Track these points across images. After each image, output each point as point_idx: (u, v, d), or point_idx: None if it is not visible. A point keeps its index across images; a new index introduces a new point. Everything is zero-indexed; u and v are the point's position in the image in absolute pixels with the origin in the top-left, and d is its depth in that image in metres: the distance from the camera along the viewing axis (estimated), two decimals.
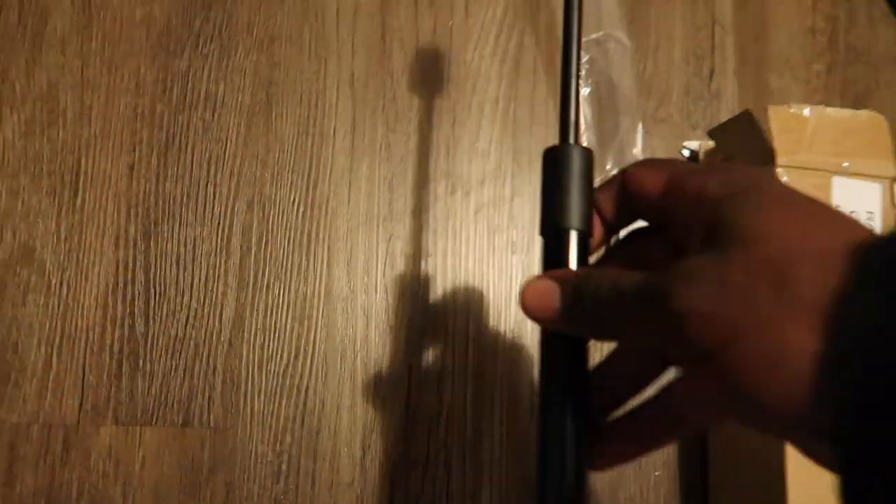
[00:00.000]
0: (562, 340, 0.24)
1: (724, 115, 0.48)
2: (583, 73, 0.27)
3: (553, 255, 0.25)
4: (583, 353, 0.25)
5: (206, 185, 0.42)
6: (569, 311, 0.23)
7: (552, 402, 0.24)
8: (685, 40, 0.50)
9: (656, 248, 0.25)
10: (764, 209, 0.19)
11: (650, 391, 0.24)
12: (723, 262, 0.18)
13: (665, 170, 0.24)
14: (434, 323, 0.42)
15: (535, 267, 0.44)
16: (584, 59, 0.44)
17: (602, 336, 0.24)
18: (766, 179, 0.21)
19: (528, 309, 0.24)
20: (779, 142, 0.36)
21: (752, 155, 0.37)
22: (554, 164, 0.25)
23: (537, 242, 0.44)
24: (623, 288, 0.21)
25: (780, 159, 0.36)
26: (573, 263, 0.25)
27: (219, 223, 0.42)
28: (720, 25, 0.50)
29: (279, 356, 0.41)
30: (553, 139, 0.26)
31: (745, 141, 0.38)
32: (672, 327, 0.19)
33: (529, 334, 0.43)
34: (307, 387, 0.40)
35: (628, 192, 0.25)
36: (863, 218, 0.37)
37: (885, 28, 0.53)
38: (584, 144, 0.25)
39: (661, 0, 0.50)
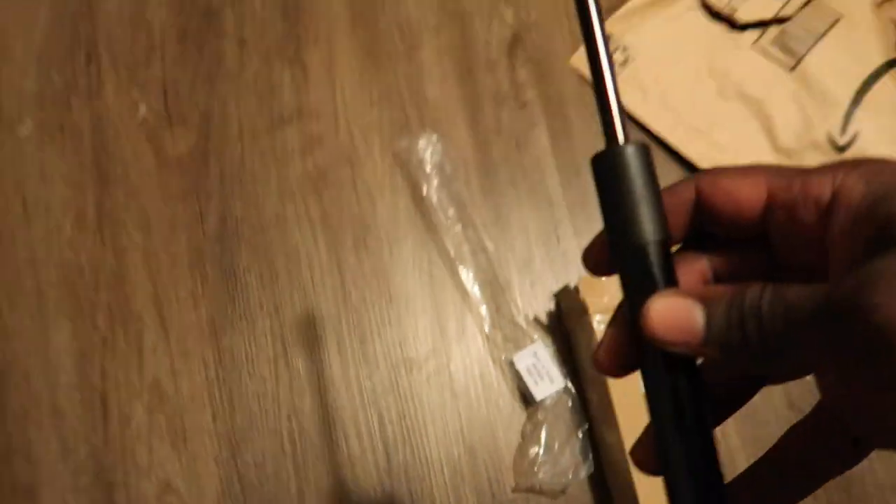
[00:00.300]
0: (682, 370, 0.20)
1: None
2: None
3: (639, 277, 0.21)
4: (701, 384, 0.21)
5: None
6: (722, 336, 0.19)
7: (683, 457, 0.20)
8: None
9: (743, 266, 0.22)
10: None
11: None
12: None
13: (762, 177, 0.20)
14: None
15: None
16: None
17: (764, 366, 0.20)
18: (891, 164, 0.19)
19: (659, 334, 0.19)
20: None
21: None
22: (609, 171, 0.21)
23: None
24: (796, 303, 0.17)
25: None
26: (664, 282, 0.20)
27: None
28: None
29: None
30: None
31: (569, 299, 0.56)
32: (877, 346, 0.16)
33: None
34: None
35: (710, 207, 0.21)
36: None
37: None
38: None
39: None
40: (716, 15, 0.70)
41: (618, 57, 0.70)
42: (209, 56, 0.69)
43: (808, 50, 0.67)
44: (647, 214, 0.20)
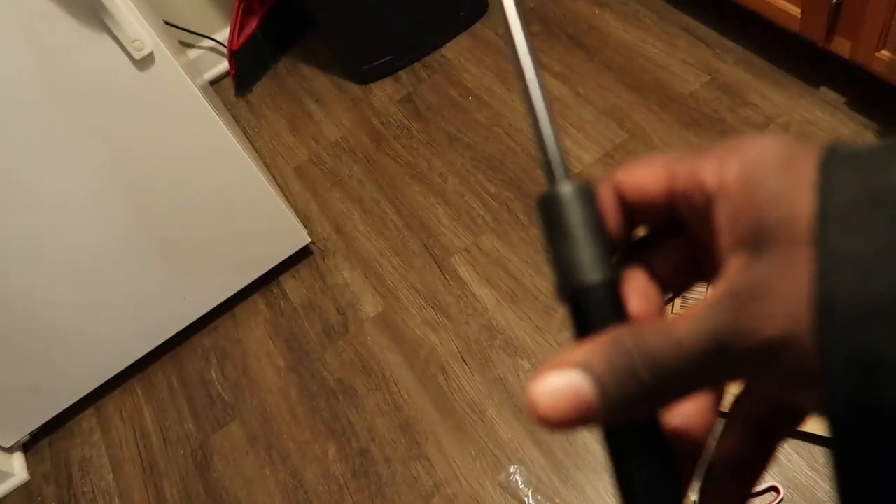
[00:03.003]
0: (627, 427, 0.19)
1: None
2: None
3: (582, 323, 0.20)
4: (656, 428, 0.20)
5: None
6: (619, 398, 0.17)
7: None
8: None
9: (671, 254, 0.22)
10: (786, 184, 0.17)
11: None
12: (781, 265, 0.16)
13: (660, 165, 0.20)
14: None
15: None
16: None
17: (666, 404, 0.19)
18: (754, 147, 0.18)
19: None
20: None
21: None
22: (547, 213, 0.20)
23: None
24: (685, 337, 0.17)
25: None
26: (597, 327, 0.19)
27: None
28: None
29: None
30: None
31: None
32: (767, 361, 0.16)
33: None
34: None
35: (627, 201, 0.21)
36: None
37: None
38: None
39: None
40: None
41: None
42: (375, 478, 1.12)
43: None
44: (585, 256, 0.19)
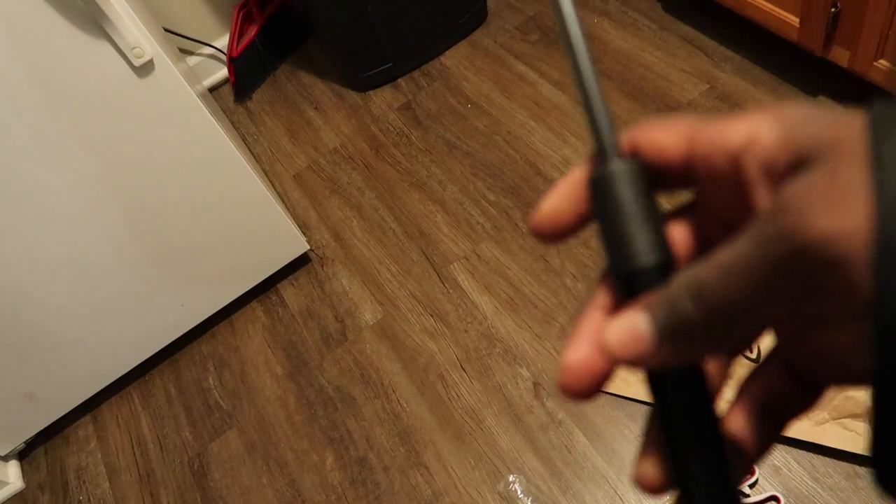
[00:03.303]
0: (675, 375, 0.19)
1: None
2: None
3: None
4: (702, 381, 0.20)
5: None
6: (668, 329, 0.18)
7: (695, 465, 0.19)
8: None
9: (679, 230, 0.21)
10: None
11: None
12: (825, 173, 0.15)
13: (680, 126, 0.20)
14: None
15: None
16: None
17: (717, 341, 0.18)
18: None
19: (616, 353, 0.19)
20: None
21: None
22: (600, 192, 0.20)
23: None
24: (726, 259, 0.16)
25: None
26: None
27: None
28: None
29: None
30: None
31: None
32: (814, 265, 0.15)
33: None
34: None
35: (642, 160, 0.20)
36: None
37: None
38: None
39: None
40: None
41: None
42: (371, 482, 1.11)
43: None
44: (636, 237, 0.19)
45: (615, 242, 0.19)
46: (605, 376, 0.20)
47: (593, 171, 0.20)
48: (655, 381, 0.20)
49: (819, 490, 0.94)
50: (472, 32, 1.69)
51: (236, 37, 1.71)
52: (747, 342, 0.21)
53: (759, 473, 0.96)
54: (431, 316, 1.26)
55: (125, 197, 1.08)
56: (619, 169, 0.19)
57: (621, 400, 1.08)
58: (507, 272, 1.27)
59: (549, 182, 1.36)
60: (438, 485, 1.08)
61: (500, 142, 1.46)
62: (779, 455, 0.97)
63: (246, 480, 1.18)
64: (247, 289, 1.33)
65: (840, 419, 0.95)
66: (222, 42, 1.78)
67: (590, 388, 0.20)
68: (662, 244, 0.19)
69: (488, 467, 1.07)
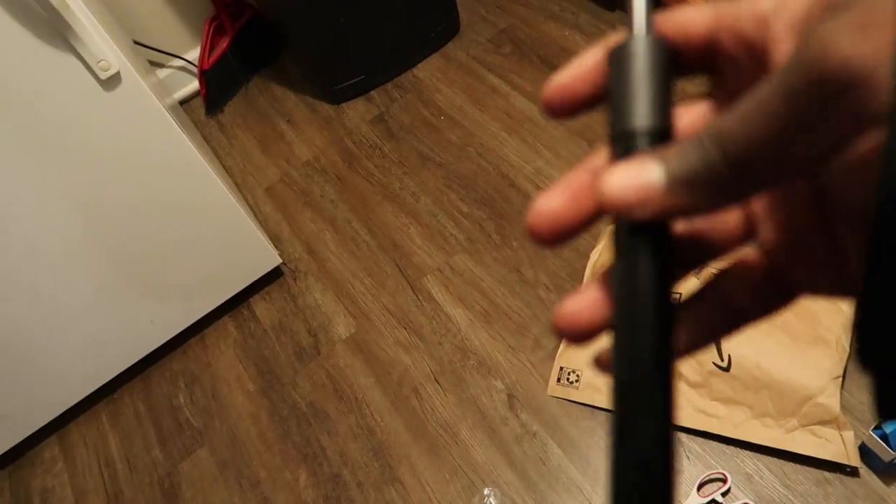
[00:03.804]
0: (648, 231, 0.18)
1: None
2: None
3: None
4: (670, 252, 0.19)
5: None
6: (683, 174, 0.17)
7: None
8: None
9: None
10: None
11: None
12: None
13: (705, 7, 0.19)
14: None
15: None
16: None
17: (733, 190, 0.17)
18: None
19: (615, 196, 0.17)
20: None
21: None
22: (615, 62, 0.19)
23: None
24: (753, 106, 0.16)
25: None
26: None
27: None
28: None
29: None
30: None
31: None
32: (842, 81, 0.14)
33: None
34: None
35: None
36: None
37: None
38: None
39: None
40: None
41: (573, 377, 1.10)
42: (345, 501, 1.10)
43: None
44: (642, 101, 0.19)
45: (620, 105, 0.19)
46: (578, 226, 0.19)
47: (615, 44, 0.20)
48: (629, 236, 0.19)
49: (790, 497, 0.94)
50: (445, 45, 1.69)
51: (207, 49, 1.69)
52: (757, 188, 0.18)
53: (732, 482, 0.97)
54: (405, 329, 1.25)
55: (92, 212, 1.06)
56: (640, 40, 0.19)
57: (595, 410, 1.08)
58: (481, 284, 1.27)
59: (523, 193, 1.36)
60: (413, 500, 1.07)
61: (473, 154, 1.46)
62: (750, 462, 0.98)
63: (218, 499, 1.16)
64: (218, 303, 1.32)
65: (809, 426, 0.96)
66: (193, 54, 1.77)
67: (558, 236, 0.19)
68: (668, 115, 0.19)
69: (463, 481, 1.07)
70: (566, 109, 0.21)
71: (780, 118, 0.15)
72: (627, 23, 0.20)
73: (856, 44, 0.14)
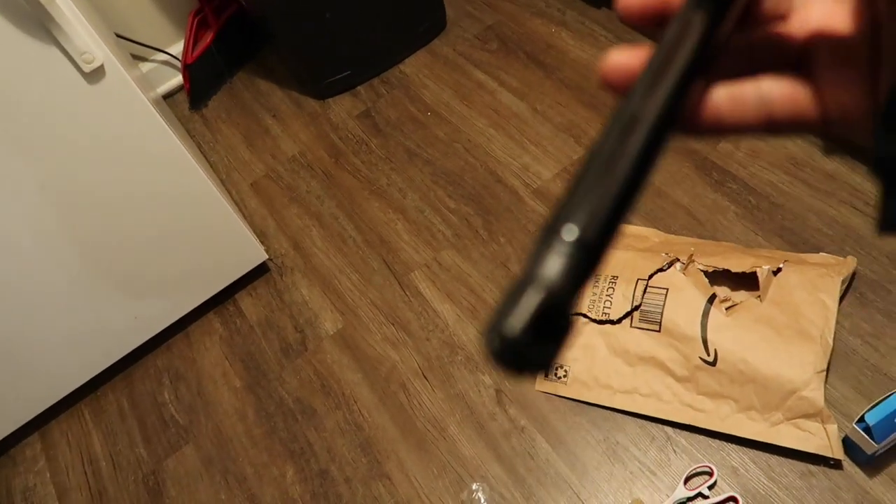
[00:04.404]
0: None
1: None
2: None
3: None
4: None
5: None
6: None
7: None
8: None
9: None
10: None
11: None
12: None
13: None
14: None
15: None
16: None
17: None
18: None
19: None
20: None
21: None
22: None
23: None
24: None
25: None
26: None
27: None
28: None
29: None
30: None
31: None
32: None
33: None
34: None
35: None
36: None
37: None
38: None
39: None
40: (601, 321, 1.12)
41: (561, 372, 1.11)
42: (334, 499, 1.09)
43: (661, 315, 1.07)
44: None
45: None
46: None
47: None
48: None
49: (775, 489, 0.96)
50: (432, 41, 1.69)
51: (191, 43, 1.67)
52: None
53: (718, 475, 0.98)
54: (393, 325, 1.25)
55: (74, 207, 1.04)
56: None
57: (583, 405, 1.08)
58: (469, 279, 1.27)
59: (509, 189, 1.36)
60: (401, 495, 1.07)
61: (459, 149, 1.46)
62: (736, 456, 0.99)
63: (203, 497, 1.15)
64: (203, 299, 1.30)
65: (794, 420, 0.97)
66: (177, 48, 1.75)
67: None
68: None
69: (451, 476, 1.07)
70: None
71: None
72: None
73: None
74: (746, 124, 0.21)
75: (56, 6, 0.84)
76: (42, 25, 0.85)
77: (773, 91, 0.21)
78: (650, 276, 1.10)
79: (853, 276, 1.09)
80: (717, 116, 0.21)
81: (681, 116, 0.19)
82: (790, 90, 0.21)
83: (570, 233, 0.16)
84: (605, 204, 0.17)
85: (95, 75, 0.94)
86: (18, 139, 0.93)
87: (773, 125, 0.21)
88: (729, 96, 0.21)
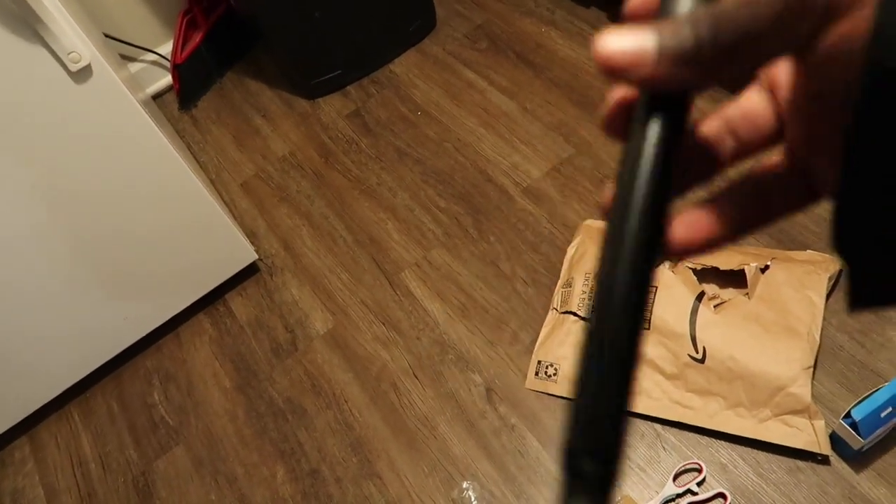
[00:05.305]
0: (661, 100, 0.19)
1: None
2: None
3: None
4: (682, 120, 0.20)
5: None
6: (674, 47, 0.18)
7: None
8: None
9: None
10: None
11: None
12: None
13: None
14: None
15: None
16: None
17: (719, 65, 0.18)
18: None
19: (610, 59, 0.18)
20: None
21: None
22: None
23: None
24: None
25: None
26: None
27: None
28: None
29: None
30: None
31: None
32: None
33: None
34: None
35: None
36: None
37: None
38: None
39: None
40: (585, 318, 1.12)
41: (551, 370, 1.11)
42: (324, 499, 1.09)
43: (650, 312, 1.08)
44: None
45: None
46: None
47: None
48: (642, 107, 0.20)
49: (763, 485, 0.96)
50: (422, 40, 1.69)
51: (180, 43, 1.67)
52: (752, 67, 0.19)
53: (707, 471, 0.98)
54: (383, 324, 1.25)
55: (62, 207, 1.04)
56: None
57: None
58: (459, 278, 1.27)
59: (499, 188, 1.37)
60: (392, 494, 1.07)
61: (449, 149, 1.46)
62: (724, 452, 1.00)
63: (194, 498, 1.14)
64: (193, 300, 1.30)
65: (781, 416, 0.98)
66: (166, 48, 1.74)
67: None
68: None
69: (442, 474, 1.07)
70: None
71: (773, 5, 0.16)
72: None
73: None
74: (721, 237, 0.22)
75: (42, 5, 0.84)
76: (28, 24, 0.85)
77: (767, 183, 0.22)
78: None
79: (840, 273, 1.10)
80: (685, 245, 0.22)
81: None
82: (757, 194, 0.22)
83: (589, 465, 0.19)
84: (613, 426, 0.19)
85: (82, 75, 0.93)
86: (5, 138, 0.93)
87: (770, 209, 0.22)
88: (693, 224, 0.22)
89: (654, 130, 0.19)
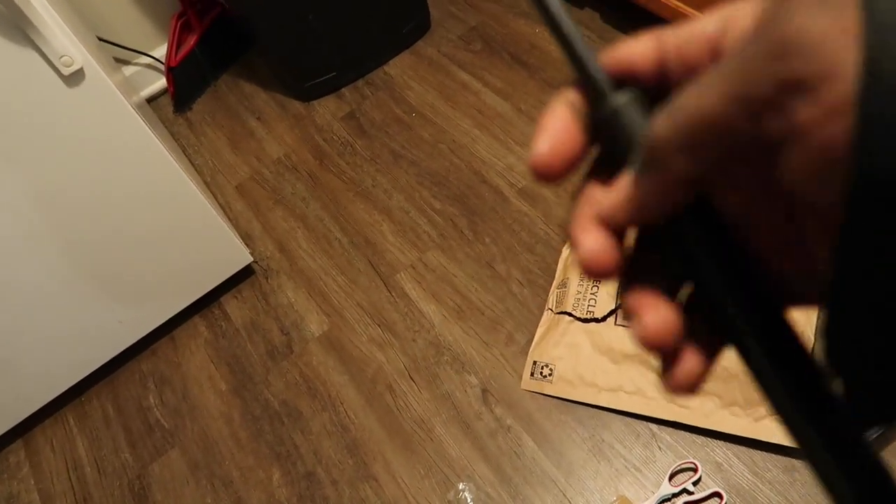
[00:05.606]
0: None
1: None
2: None
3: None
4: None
5: None
6: (647, 163, 0.18)
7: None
8: None
9: None
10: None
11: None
12: None
13: (649, 37, 0.19)
14: None
15: None
16: None
17: (697, 165, 0.17)
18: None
19: (616, 216, 0.19)
20: None
21: None
22: (609, 128, 0.19)
23: None
24: (707, 81, 0.16)
25: None
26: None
27: None
28: None
29: None
30: None
31: None
32: (791, 47, 0.13)
33: None
34: None
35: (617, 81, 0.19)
36: None
37: None
38: None
39: None
40: (586, 320, 1.12)
41: (546, 371, 1.11)
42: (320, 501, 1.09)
43: None
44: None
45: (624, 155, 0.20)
46: (571, 165, 0.20)
47: (595, 108, 0.20)
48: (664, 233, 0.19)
49: (759, 484, 0.96)
50: (416, 42, 1.69)
51: (174, 46, 1.67)
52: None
53: (702, 471, 0.98)
54: (379, 326, 1.25)
55: (55, 212, 1.04)
56: (623, 102, 0.19)
57: (569, 403, 1.09)
58: (454, 280, 1.27)
59: (494, 189, 1.37)
60: (388, 496, 1.07)
61: (444, 150, 1.46)
62: (720, 451, 1.00)
63: (190, 501, 1.14)
64: (188, 303, 1.30)
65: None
66: (160, 51, 1.74)
67: (555, 175, 0.20)
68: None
69: (438, 476, 1.07)
70: (561, 173, 0.21)
71: (733, 93, 0.15)
72: (585, 80, 0.20)
73: (815, 19, 0.13)
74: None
75: (33, 8, 0.83)
76: (19, 28, 0.85)
77: None
78: None
79: None
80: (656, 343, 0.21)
81: None
82: None
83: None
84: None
85: (75, 78, 0.93)
86: None
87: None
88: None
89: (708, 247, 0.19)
